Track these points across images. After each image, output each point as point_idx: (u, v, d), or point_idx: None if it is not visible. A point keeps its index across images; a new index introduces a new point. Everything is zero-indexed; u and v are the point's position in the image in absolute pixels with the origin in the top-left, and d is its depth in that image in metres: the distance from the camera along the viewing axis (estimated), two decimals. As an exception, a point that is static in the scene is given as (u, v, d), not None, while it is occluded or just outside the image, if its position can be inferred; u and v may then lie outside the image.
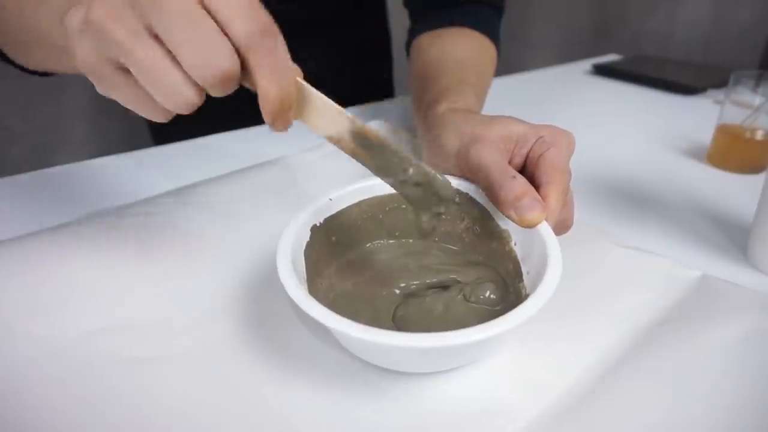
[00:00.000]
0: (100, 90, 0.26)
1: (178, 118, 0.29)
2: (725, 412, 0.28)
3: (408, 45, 0.65)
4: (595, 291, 0.38)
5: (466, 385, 0.30)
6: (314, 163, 0.55)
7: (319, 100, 0.29)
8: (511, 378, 0.31)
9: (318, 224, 0.35)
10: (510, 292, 0.33)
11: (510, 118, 0.37)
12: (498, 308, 0.32)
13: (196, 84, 0.24)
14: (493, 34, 0.61)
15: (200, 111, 0.27)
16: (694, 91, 0.83)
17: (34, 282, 0.36)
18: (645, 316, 0.36)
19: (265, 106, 0.26)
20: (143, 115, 0.27)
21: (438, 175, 0.32)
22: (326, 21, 0.77)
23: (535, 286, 0.28)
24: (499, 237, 0.36)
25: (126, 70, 0.25)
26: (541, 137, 0.36)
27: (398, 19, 0.94)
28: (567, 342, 0.33)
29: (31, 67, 0.43)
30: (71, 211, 0.46)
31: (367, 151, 0.30)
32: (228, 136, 0.65)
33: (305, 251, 0.33)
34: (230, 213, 0.45)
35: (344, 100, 0.78)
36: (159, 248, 0.41)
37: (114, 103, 0.27)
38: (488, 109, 0.76)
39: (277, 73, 0.25)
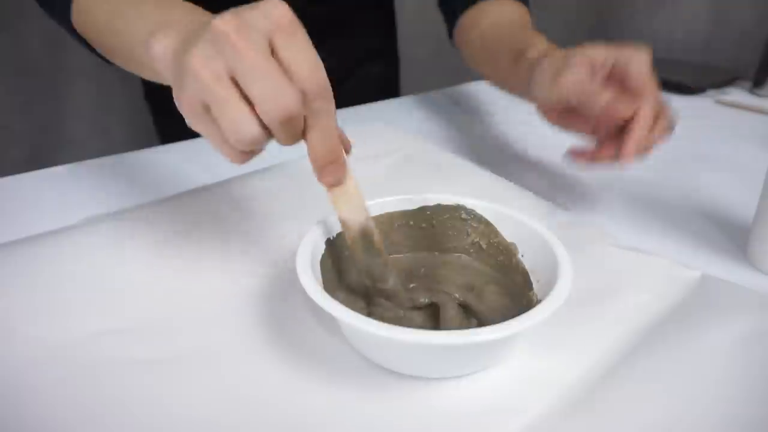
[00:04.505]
0: (190, 124, 0.29)
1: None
2: (725, 412, 0.28)
3: (451, 26, 0.69)
4: (595, 292, 0.38)
5: (469, 384, 0.31)
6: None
7: (354, 187, 0.32)
8: (513, 377, 0.31)
9: (332, 238, 0.36)
10: (522, 303, 0.34)
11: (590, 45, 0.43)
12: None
13: (262, 123, 0.27)
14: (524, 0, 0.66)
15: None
16: (694, 91, 0.83)
17: (40, 284, 0.36)
18: (645, 317, 0.36)
19: (314, 163, 0.30)
20: (222, 154, 0.30)
21: (402, 290, 0.34)
22: (345, 21, 0.78)
23: (546, 293, 0.29)
24: (505, 250, 0.37)
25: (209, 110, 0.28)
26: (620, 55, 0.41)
27: (405, 19, 0.94)
28: (568, 342, 0.33)
29: (118, 64, 0.45)
30: (71, 211, 0.46)
31: (363, 249, 0.33)
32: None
33: (321, 262, 0.34)
34: (236, 216, 0.46)
35: (353, 99, 0.79)
36: (165, 250, 0.41)
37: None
38: (487, 109, 0.76)
39: (328, 133, 0.29)
